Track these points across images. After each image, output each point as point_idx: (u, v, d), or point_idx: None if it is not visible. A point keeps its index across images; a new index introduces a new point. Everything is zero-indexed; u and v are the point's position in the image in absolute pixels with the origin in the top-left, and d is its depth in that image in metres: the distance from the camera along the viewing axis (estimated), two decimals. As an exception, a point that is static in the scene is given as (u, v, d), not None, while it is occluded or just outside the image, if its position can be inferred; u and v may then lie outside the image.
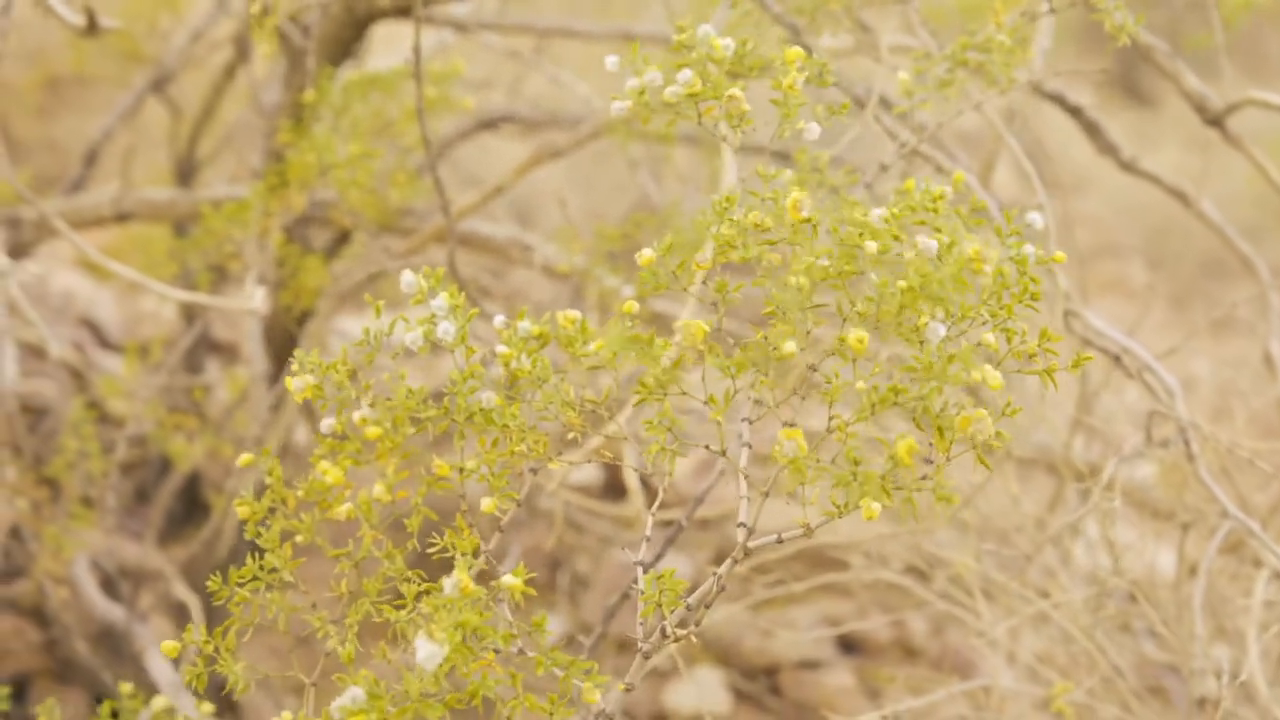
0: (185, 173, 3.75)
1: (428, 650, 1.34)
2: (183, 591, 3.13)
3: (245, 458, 1.62)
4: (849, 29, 2.53)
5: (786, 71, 1.69)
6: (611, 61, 1.78)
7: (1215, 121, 2.67)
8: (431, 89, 2.83)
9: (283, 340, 3.22)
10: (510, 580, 1.47)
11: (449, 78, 2.85)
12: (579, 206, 4.44)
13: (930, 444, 1.49)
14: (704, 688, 3.71)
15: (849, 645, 3.99)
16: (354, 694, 1.36)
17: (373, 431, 1.57)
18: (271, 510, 1.60)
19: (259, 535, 1.62)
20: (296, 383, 1.60)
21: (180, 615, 3.24)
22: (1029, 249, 1.57)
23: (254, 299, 2.77)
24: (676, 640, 1.62)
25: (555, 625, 3.89)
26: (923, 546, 3.03)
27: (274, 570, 1.62)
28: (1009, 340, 1.53)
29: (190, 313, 3.66)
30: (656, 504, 1.66)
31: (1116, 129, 2.94)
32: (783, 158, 2.85)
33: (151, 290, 2.75)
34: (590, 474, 4.26)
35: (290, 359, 1.64)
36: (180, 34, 3.86)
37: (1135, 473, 3.20)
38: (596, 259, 3.04)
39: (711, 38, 1.71)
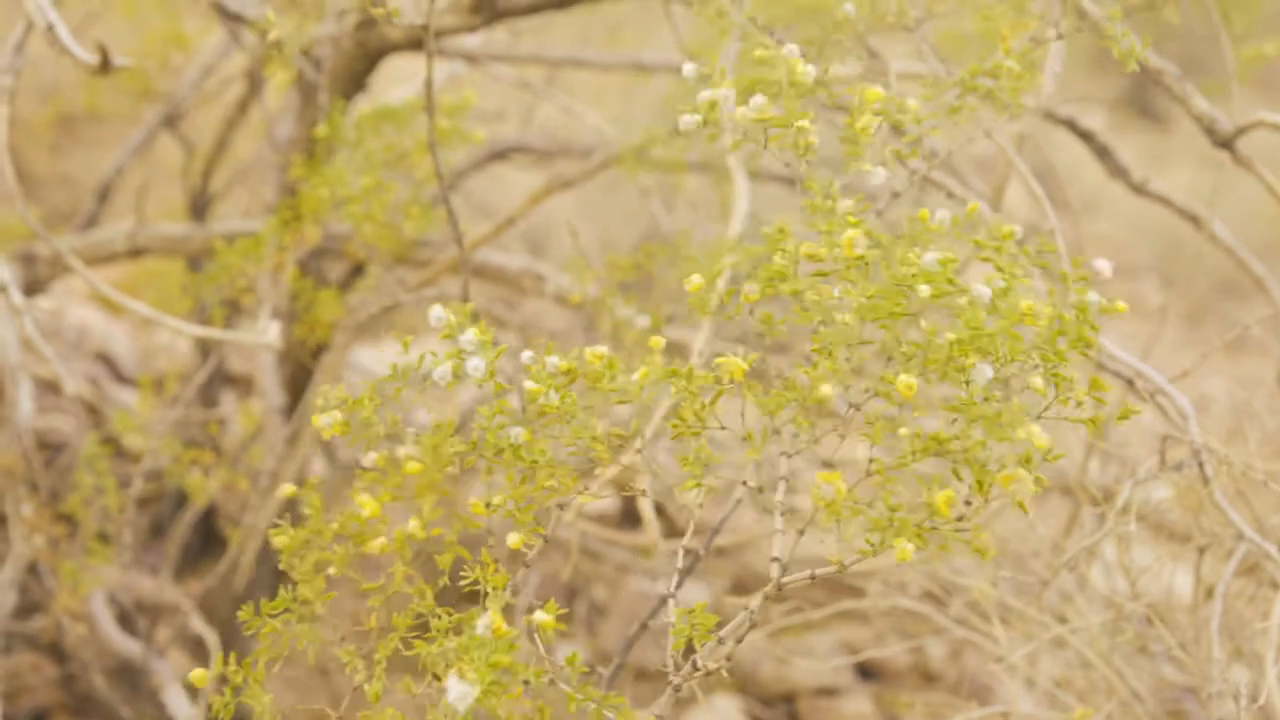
0: (199, 207, 3.77)
1: (460, 690, 1.34)
2: (200, 625, 3.13)
3: (289, 489, 1.63)
4: (858, 56, 2.53)
5: (862, 111, 1.68)
6: (689, 69, 1.76)
7: (1225, 144, 2.67)
8: (444, 121, 2.84)
9: (298, 373, 3.23)
10: (542, 617, 1.47)
11: (461, 110, 2.86)
12: (591, 235, 4.45)
13: (968, 487, 1.48)
14: (722, 715, 3.70)
15: (867, 672, 3.98)
16: None
17: (414, 467, 1.58)
18: (307, 542, 1.60)
19: (292, 567, 1.63)
20: (323, 419, 1.60)
21: (197, 649, 3.24)
22: (1093, 296, 1.55)
23: (268, 333, 2.77)
24: (708, 674, 1.61)
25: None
26: (940, 572, 3.02)
27: (306, 602, 1.62)
28: (1058, 387, 1.51)
29: (205, 347, 3.67)
30: (688, 534, 1.66)
31: (1129, 149, 2.95)
32: (789, 184, 2.85)
33: (169, 327, 2.76)
34: (607, 503, 4.26)
35: (305, 392, 1.65)
36: (192, 69, 3.88)
37: (1151, 495, 3.20)
38: (609, 289, 3.05)
39: (794, 60, 1.70)
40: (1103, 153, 2.94)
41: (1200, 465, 2.29)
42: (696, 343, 2.53)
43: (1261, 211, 6.16)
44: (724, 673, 1.60)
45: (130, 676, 3.13)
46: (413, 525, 1.59)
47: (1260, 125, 2.63)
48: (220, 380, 3.96)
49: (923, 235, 1.53)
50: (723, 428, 1.54)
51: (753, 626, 1.60)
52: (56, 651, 3.23)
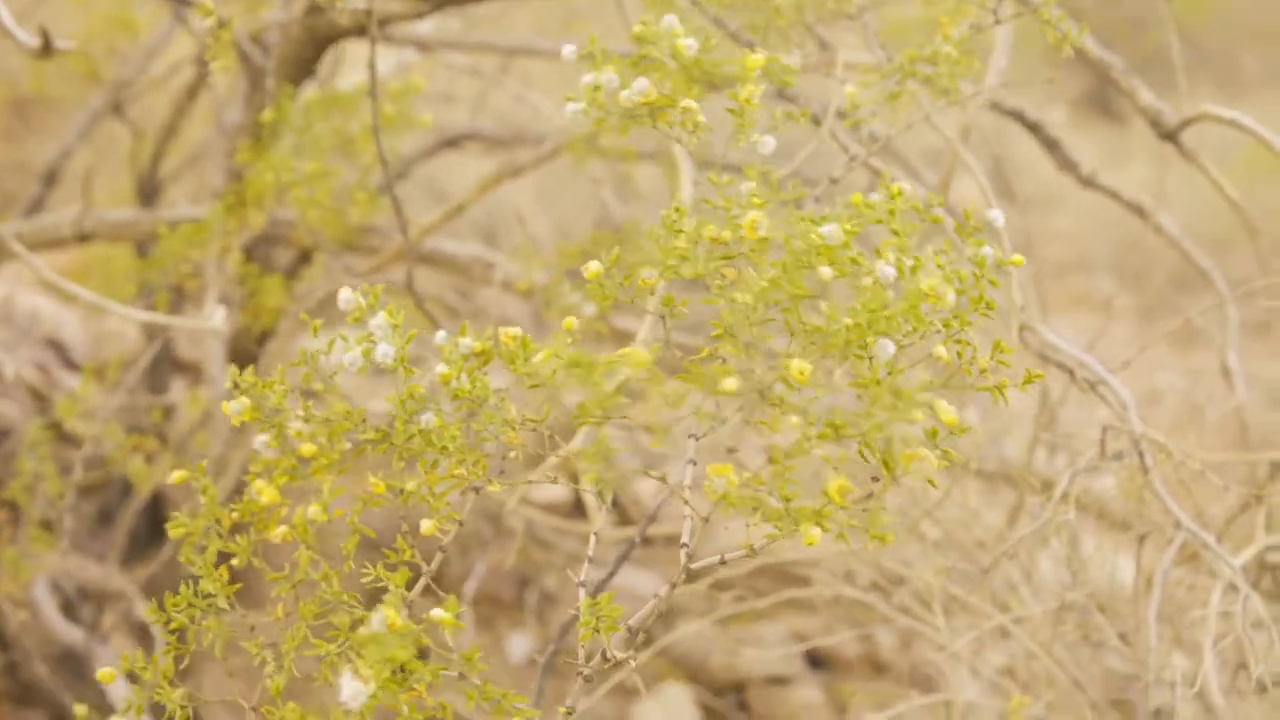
0: (148, 193, 3.74)
1: (352, 689, 1.30)
2: (145, 612, 3.11)
3: (178, 474, 1.59)
4: (804, 45, 2.53)
5: (746, 81, 1.66)
6: (569, 50, 1.73)
7: (1170, 136, 2.68)
8: (390, 106, 2.83)
9: (245, 360, 3.21)
10: (440, 614, 1.43)
11: (407, 94, 2.85)
12: (546, 225, 4.44)
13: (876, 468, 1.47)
14: (672, 705, 3.71)
15: (817, 661, 3.99)
16: None
17: (308, 448, 1.54)
18: (206, 532, 1.56)
19: (191, 561, 1.59)
20: (233, 406, 1.57)
21: (143, 635, 3.23)
22: (988, 250, 1.53)
23: (214, 318, 2.76)
24: (618, 665, 1.59)
25: (522, 643, 3.88)
26: (886, 562, 3.03)
27: (209, 595, 1.58)
28: (960, 355, 1.49)
29: (153, 333, 3.65)
30: (597, 524, 1.65)
31: (1089, 147, 2.96)
32: (738, 171, 2.85)
33: (114, 313, 2.74)
34: (558, 492, 4.25)
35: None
36: (138, 54, 3.86)
37: (1096, 485, 3.21)
38: (558, 276, 3.04)
39: (675, 30, 1.66)
40: (1051, 145, 2.94)
41: (1140, 455, 2.30)
42: (641, 331, 2.53)
43: (1214, 205, 6.20)
44: (632, 662, 1.58)
45: (73, 664, 3.11)
46: (313, 509, 1.55)
47: (1204, 118, 2.64)
48: (170, 367, 3.94)
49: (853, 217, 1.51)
50: (625, 418, 1.52)
51: (661, 615, 1.58)
52: (-1, 640, 3.22)
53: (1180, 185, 3.04)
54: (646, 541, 3.72)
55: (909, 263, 1.43)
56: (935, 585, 2.78)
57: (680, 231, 1.56)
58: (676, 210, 1.58)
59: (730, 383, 1.44)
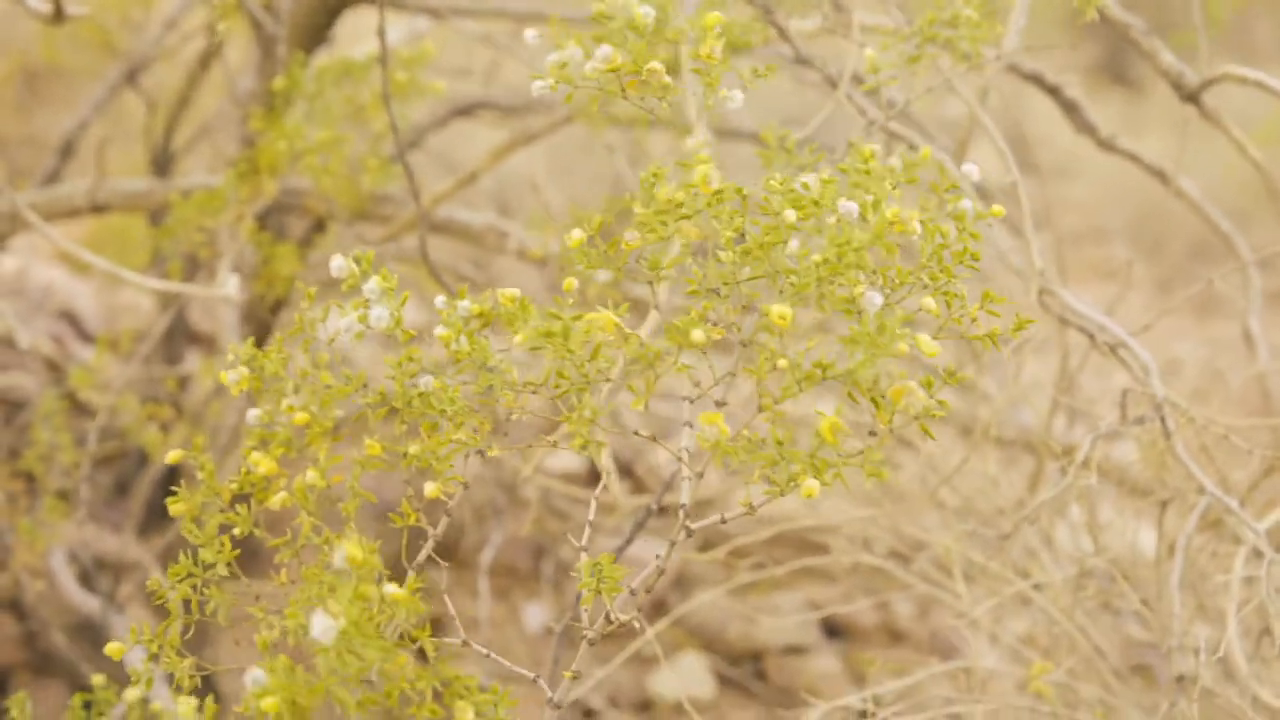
0: (162, 163, 3.73)
1: (323, 624, 1.31)
2: (150, 582, 3.11)
3: (174, 454, 1.60)
4: (820, 7, 2.51)
5: (704, 38, 1.65)
6: (531, 35, 1.75)
7: (1191, 97, 2.66)
8: (401, 74, 2.81)
9: (259, 330, 3.20)
10: (393, 590, 1.42)
11: (418, 62, 2.83)
12: (562, 196, 4.42)
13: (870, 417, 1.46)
14: (689, 674, 3.70)
15: (835, 630, 3.98)
16: (255, 676, 1.34)
17: (300, 417, 1.55)
18: (206, 505, 1.57)
19: (191, 533, 1.59)
20: (231, 375, 1.57)
21: (160, 605, 3.22)
22: (966, 204, 1.52)
23: (228, 286, 2.75)
24: (621, 626, 1.59)
25: (538, 614, 3.88)
26: (905, 529, 3.01)
27: (210, 566, 1.59)
28: (949, 306, 1.49)
29: (167, 304, 3.64)
30: (599, 489, 1.64)
31: (1102, 115, 2.93)
32: (754, 138, 2.83)
33: (127, 281, 2.73)
34: (573, 461, 4.25)
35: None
36: (154, 24, 3.84)
37: (1119, 451, 3.19)
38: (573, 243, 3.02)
39: (631, 3, 1.67)
40: (1070, 108, 2.91)
41: (1161, 419, 2.28)
42: (659, 296, 2.50)
43: (1232, 177, 6.17)
44: (636, 625, 1.57)
45: (91, 633, 3.12)
46: (310, 475, 1.55)
47: (1226, 79, 2.61)
48: (185, 338, 3.93)
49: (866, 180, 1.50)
50: (609, 380, 1.52)
51: (661, 574, 1.58)
52: (17, 609, 3.21)
53: (1196, 157, 3.01)
54: (662, 511, 3.71)
55: (869, 199, 1.42)
56: (955, 552, 2.76)
57: (652, 194, 1.56)
58: (654, 174, 1.58)
59: (698, 334, 1.44)
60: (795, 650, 3.84)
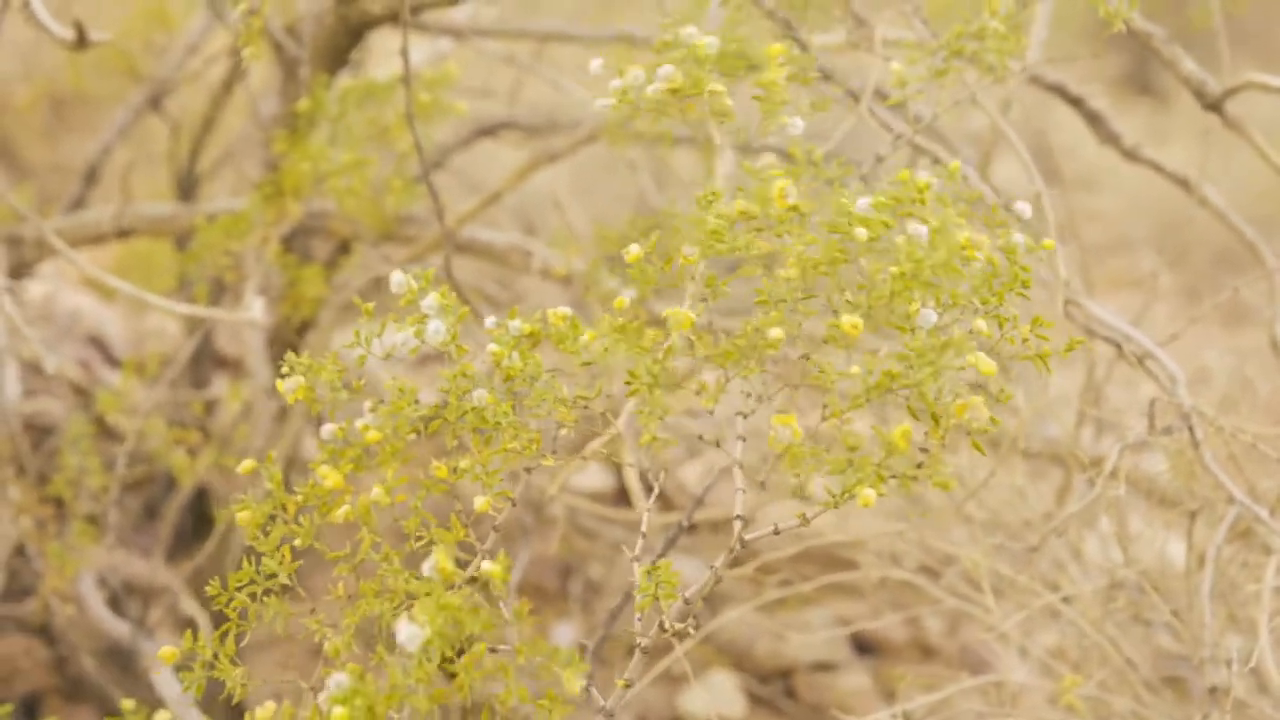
0: (186, 187, 3.75)
1: (408, 632, 1.34)
2: (190, 605, 3.12)
3: (248, 464, 1.63)
4: (843, 22, 2.51)
5: (770, 68, 1.68)
6: (596, 65, 1.80)
7: (1214, 106, 2.65)
8: (424, 95, 2.82)
9: (286, 352, 3.21)
10: (490, 566, 1.46)
11: (441, 83, 2.84)
12: (586, 215, 4.43)
13: (927, 433, 1.48)
14: (718, 692, 3.69)
15: (864, 647, 3.97)
16: (338, 680, 1.36)
17: (373, 436, 1.58)
18: (272, 516, 1.60)
19: (257, 541, 1.62)
20: (287, 384, 1.60)
21: (189, 630, 3.23)
22: (1018, 238, 1.56)
23: (254, 309, 2.76)
24: (675, 634, 1.60)
25: (567, 632, 3.87)
26: (933, 544, 3.01)
27: (272, 575, 1.61)
28: (1001, 327, 1.51)
29: (193, 329, 3.66)
30: (650, 502, 1.65)
31: (1128, 123, 2.92)
32: (783, 155, 2.83)
33: (154, 305, 2.75)
34: (601, 480, 4.24)
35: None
36: (176, 49, 3.86)
37: (1147, 462, 3.18)
38: (596, 262, 3.03)
39: (695, 38, 1.72)
40: (1093, 119, 2.91)
41: (1190, 429, 2.27)
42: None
43: (1256, 186, 6.15)
44: (691, 633, 1.58)
45: (121, 658, 3.12)
46: (376, 493, 1.58)
47: (1249, 87, 2.60)
48: (212, 362, 3.95)
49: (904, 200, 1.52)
50: (678, 385, 1.53)
51: (717, 582, 1.58)
52: (47, 634, 3.22)
53: (1220, 166, 3.00)
54: (692, 528, 3.71)
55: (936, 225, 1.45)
56: (983, 565, 2.75)
57: (713, 209, 1.58)
58: (712, 191, 1.60)
59: (776, 332, 1.45)
60: (825, 667, 3.83)
